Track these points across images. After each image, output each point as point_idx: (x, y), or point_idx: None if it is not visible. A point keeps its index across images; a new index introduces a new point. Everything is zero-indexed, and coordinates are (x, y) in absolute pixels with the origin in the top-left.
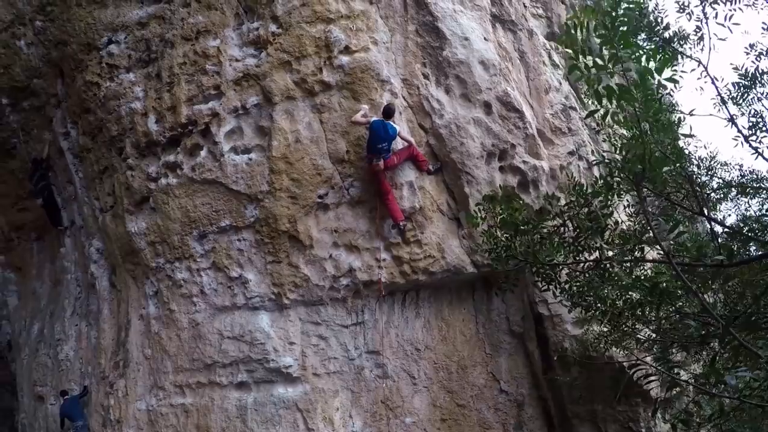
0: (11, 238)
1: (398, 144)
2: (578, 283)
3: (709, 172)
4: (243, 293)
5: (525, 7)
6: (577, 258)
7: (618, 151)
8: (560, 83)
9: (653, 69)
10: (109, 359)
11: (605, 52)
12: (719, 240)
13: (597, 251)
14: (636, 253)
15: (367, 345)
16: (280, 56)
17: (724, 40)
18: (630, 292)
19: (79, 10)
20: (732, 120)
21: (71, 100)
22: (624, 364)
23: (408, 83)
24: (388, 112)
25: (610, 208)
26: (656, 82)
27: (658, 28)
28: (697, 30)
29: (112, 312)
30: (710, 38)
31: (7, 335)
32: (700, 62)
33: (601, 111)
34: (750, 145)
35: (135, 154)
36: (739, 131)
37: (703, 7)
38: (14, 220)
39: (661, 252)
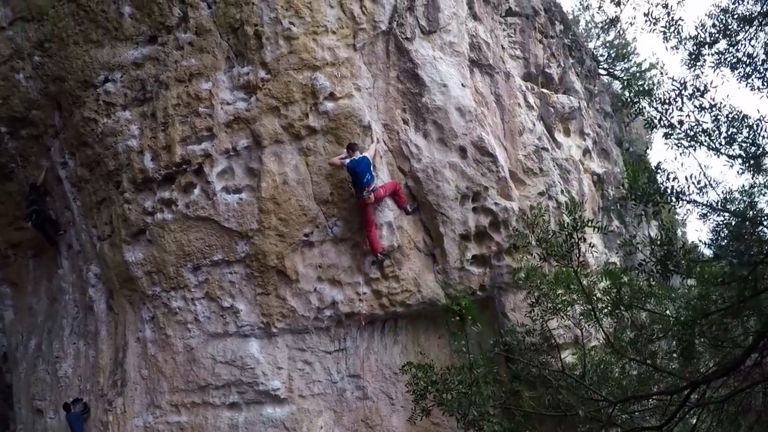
0: (7, 255)
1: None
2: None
3: None
4: (234, 322)
5: (503, 48)
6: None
7: None
8: (534, 124)
9: None
10: (107, 378)
11: None
12: None
13: None
14: None
15: (349, 369)
16: (268, 101)
17: None
18: None
19: (76, 48)
20: None
21: (69, 132)
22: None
23: (389, 128)
24: (353, 147)
25: None
26: None
27: None
28: None
29: (110, 333)
30: None
31: (3, 347)
32: None
33: None
34: None
35: (132, 188)
36: None
37: None
38: (11, 238)
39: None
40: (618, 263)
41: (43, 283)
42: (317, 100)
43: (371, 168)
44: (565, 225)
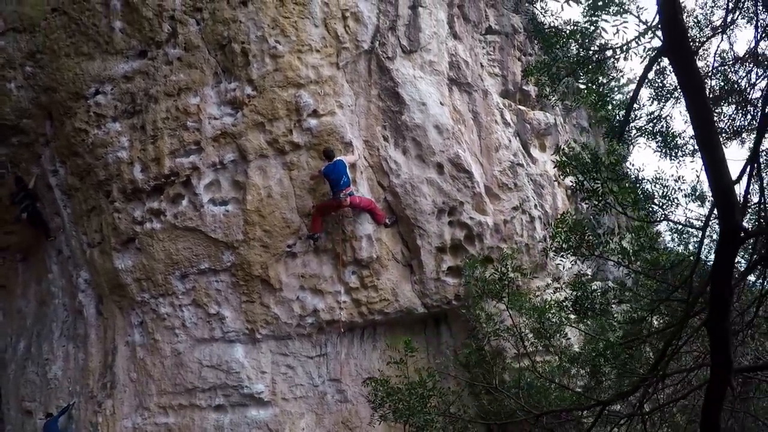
0: None
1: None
2: None
3: None
4: (220, 328)
5: (482, 66)
6: None
7: None
8: (510, 140)
9: None
10: (96, 380)
11: None
12: None
13: None
14: None
15: (330, 373)
16: (254, 117)
17: None
18: None
19: (68, 60)
20: None
21: (59, 141)
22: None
23: (369, 144)
24: (329, 153)
25: None
26: None
27: None
28: None
29: (99, 337)
30: None
31: None
32: None
33: None
34: None
35: (121, 198)
36: None
37: None
38: (0, 242)
39: None
40: (589, 272)
41: (32, 286)
42: (301, 116)
43: (347, 170)
44: (498, 270)
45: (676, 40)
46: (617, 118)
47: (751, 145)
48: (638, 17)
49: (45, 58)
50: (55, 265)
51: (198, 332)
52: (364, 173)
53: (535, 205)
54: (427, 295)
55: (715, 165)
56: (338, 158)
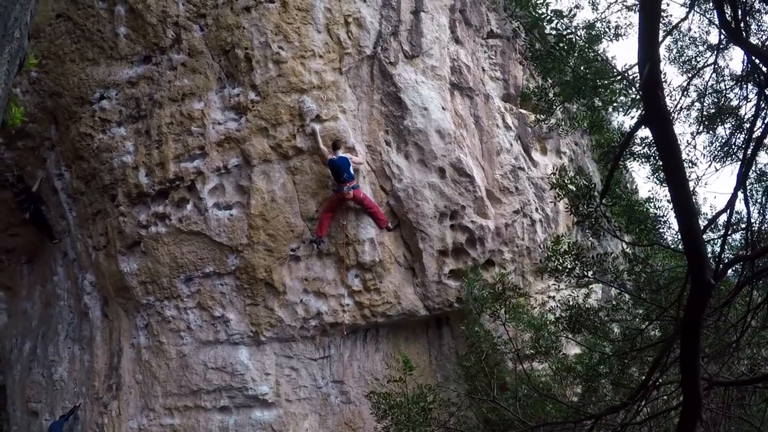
0: (1, 260)
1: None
2: None
3: None
4: (225, 330)
5: (483, 70)
6: None
7: None
8: (511, 144)
9: None
10: (102, 382)
11: None
12: None
13: None
14: None
15: (333, 375)
16: (258, 123)
17: None
18: None
19: (73, 66)
20: None
21: (64, 146)
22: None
23: (372, 149)
24: (336, 145)
25: None
26: None
27: None
28: None
29: (105, 339)
30: None
31: None
32: None
33: None
34: None
35: (127, 202)
36: None
37: None
38: (5, 244)
39: None
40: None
41: (37, 288)
42: (304, 122)
43: (350, 168)
44: (495, 289)
45: (654, 111)
46: (612, 143)
47: (742, 170)
48: (625, 76)
49: (50, 63)
50: (60, 268)
51: (203, 334)
52: (366, 177)
53: (537, 209)
54: (429, 298)
55: (687, 220)
56: (344, 155)
